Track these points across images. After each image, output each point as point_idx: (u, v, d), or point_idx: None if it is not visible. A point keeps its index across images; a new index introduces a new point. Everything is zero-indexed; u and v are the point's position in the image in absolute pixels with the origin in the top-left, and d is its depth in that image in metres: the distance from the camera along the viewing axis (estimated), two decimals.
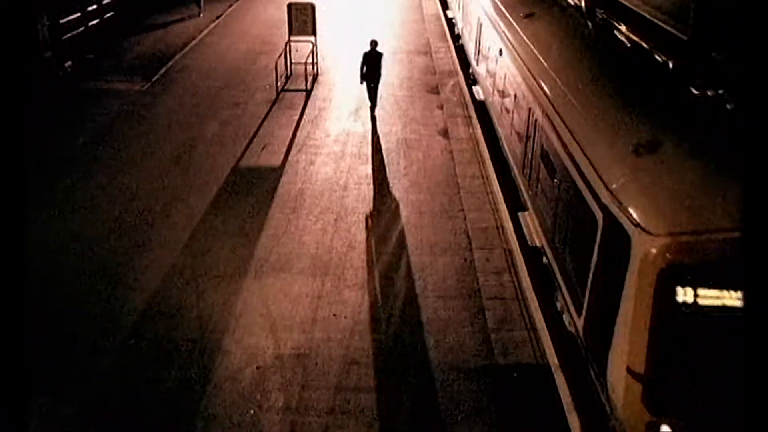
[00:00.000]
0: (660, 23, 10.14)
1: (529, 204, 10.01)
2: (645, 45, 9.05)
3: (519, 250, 10.21)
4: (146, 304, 9.00)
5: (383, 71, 16.09)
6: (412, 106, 16.71)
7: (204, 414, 7.22)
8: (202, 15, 25.96)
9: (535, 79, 9.77)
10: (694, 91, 7.13)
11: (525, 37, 11.24)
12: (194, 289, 9.33)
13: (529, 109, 9.89)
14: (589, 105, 7.83)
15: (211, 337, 8.39)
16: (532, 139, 9.77)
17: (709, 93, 6.88)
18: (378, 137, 14.75)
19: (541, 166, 9.17)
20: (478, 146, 14.26)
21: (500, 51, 12.74)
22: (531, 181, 9.86)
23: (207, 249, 10.33)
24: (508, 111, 11.93)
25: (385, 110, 16.23)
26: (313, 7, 18.35)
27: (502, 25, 13.04)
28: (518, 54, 11.11)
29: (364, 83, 15.93)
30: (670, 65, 7.88)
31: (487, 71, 14.61)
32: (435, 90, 17.94)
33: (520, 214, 10.25)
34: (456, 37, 22.89)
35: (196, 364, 7.92)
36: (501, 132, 12.71)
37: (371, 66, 15.56)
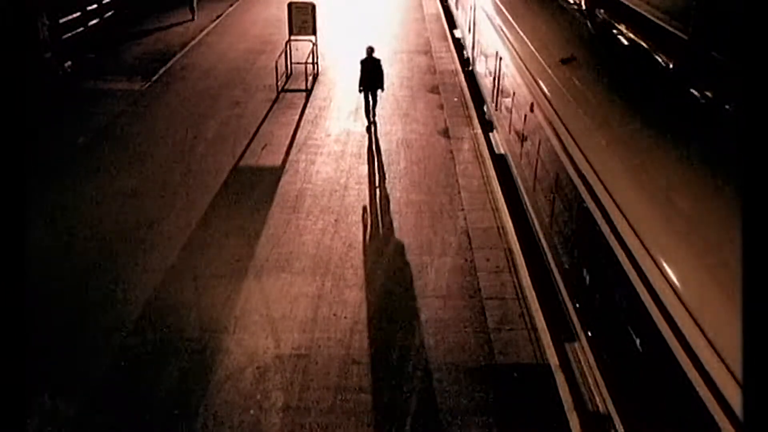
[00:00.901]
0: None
1: (584, 342, 7.10)
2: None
3: (572, 409, 7.29)
4: (146, 304, 9.00)
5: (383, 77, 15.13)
6: (412, 105, 16.70)
7: (204, 414, 7.21)
8: (195, 19, 24.98)
9: (591, 167, 6.63)
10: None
11: (567, 96, 8.21)
12: (194, 289, 9.33)
13: (583, 207, 6.74)
14: (692, 226, 5.01)
15: (212, 336, 8.39)
16: (586, 251, 6.82)
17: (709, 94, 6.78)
18: (378, 137, 14.74)
19: (603, 297, 6.40)
20: (478, 146, 14.25)
21: (531, 106, 9.53)
22: (586, 310, 6.93)
23: (207, 248, 10.32)
24: (543, 191, 8.88)
25: (385, 110, 16.21)
26: (313, 6, 18.35)
27: (532, 71, 9.82)
28: (560, 120, 8.00)
29: (362, 93, 15.00)
30: None
31: (512, 127, 11.37)
32: (435, 90, 17.93)
33: (567, 345, 7.81)
34: (465, 58, 19.93)
35: (197, 364, 7.92)
36: (533, 213, 9.56)
37: (369, 74, 14.73)
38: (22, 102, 2.28)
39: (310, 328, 8.57)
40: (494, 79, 13.53)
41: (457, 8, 23.50)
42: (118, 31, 23.04)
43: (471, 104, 16.69)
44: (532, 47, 10.43)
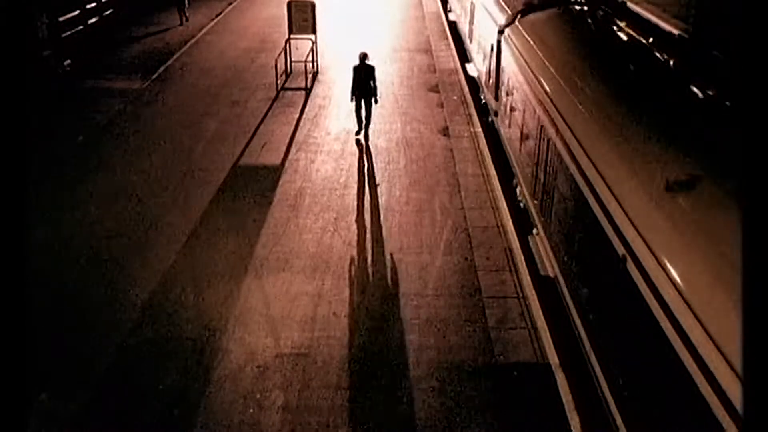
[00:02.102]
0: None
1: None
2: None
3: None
4: (146, 303, 8.99)
5: (380, 88, 14.50)
6: (412, 104, 16.69)
7: (204, 413, 7.21)
8: (187, 24, 23.92)
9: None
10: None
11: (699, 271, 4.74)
12: (194, 288, 9.32)
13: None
14: None
15: (211, 336, 8.38)
16: None
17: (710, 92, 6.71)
18: (376, 139, 14.72)
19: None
20: (478, 145, 14.25)
21: (622, 262, 5.72)
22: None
23: (207, 248, 10.32)
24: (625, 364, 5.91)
25: (385, 108, 16.20)
26: (313, 5, 18.34)
27: (622, 202, 5.96)
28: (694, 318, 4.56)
29: (354, 102, 14.26)
30: None
31: (576, 261, 7.38)
32: (435, 88, 17.92)
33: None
34: (482, 103, 15.90)
35: (196, 363, 7.92)
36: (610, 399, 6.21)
37: (362, 82, 14.04)
38: (21, 101, 2.27)
39: (309, 327, 8.56)
40: (536, 163, 9.28)
41: (470, 39, 18.24)
42: (117, 30, 23.00)
43: (471, 103, 16.68)
44: (613, 152, 6.53)
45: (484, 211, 11.51)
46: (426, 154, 13.76)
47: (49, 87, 17.55)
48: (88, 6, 21.77)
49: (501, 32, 12.73)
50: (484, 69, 15.09)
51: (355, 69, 14.15)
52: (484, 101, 15.43)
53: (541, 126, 9.00)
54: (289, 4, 18.41)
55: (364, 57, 14.10)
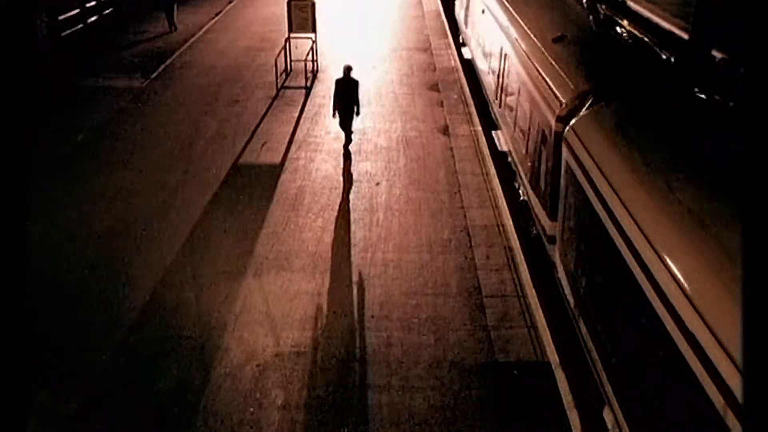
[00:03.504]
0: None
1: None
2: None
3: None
4: (146, 302, 8.99)
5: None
6: (412, 103, 16.68)
7: (204, 412, 7.21)
8: (175, 30, 22.91)
9: None
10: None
11: None
12: (194, 287, 9.32)
13: None
14: None
15: (211, 334, 8.39)
16: None
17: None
18: (377, 143, 14.72)
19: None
20: (478, 144, 14.25)
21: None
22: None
23: (206, 246, 10.32)
24: None
25: (385, 107, 16.20)
26: (313, 4, 18.34)
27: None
28: None
29: (338, 118, 13.40)
30: None
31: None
32: (435, 87, 17.92)
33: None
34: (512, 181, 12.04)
35: (196, 362, 7.92)
36: None
37: (345, 96, 13.12)
38: (21, 100, 2.27)
39: (309, 326, 8.57)
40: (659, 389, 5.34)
41: (500, 103, 13.25)
42: (117, 29, 22.99)
43: (471, 102, 16.68)
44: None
45: (484, 210, 11.51)
46: (426, 152, 13.76)
47: (48, 86, 17.54)
48: (88, 5, 21.76)
49: (561, 121, 8.39)
50: (527, 161, 10.36)
51: (338, 82, 13.19)
52: (522, 198, 11.10)
53: (668, 337, 4.95)
54: (289, 3, 18.39)
55: (348, 70, 13.10)
